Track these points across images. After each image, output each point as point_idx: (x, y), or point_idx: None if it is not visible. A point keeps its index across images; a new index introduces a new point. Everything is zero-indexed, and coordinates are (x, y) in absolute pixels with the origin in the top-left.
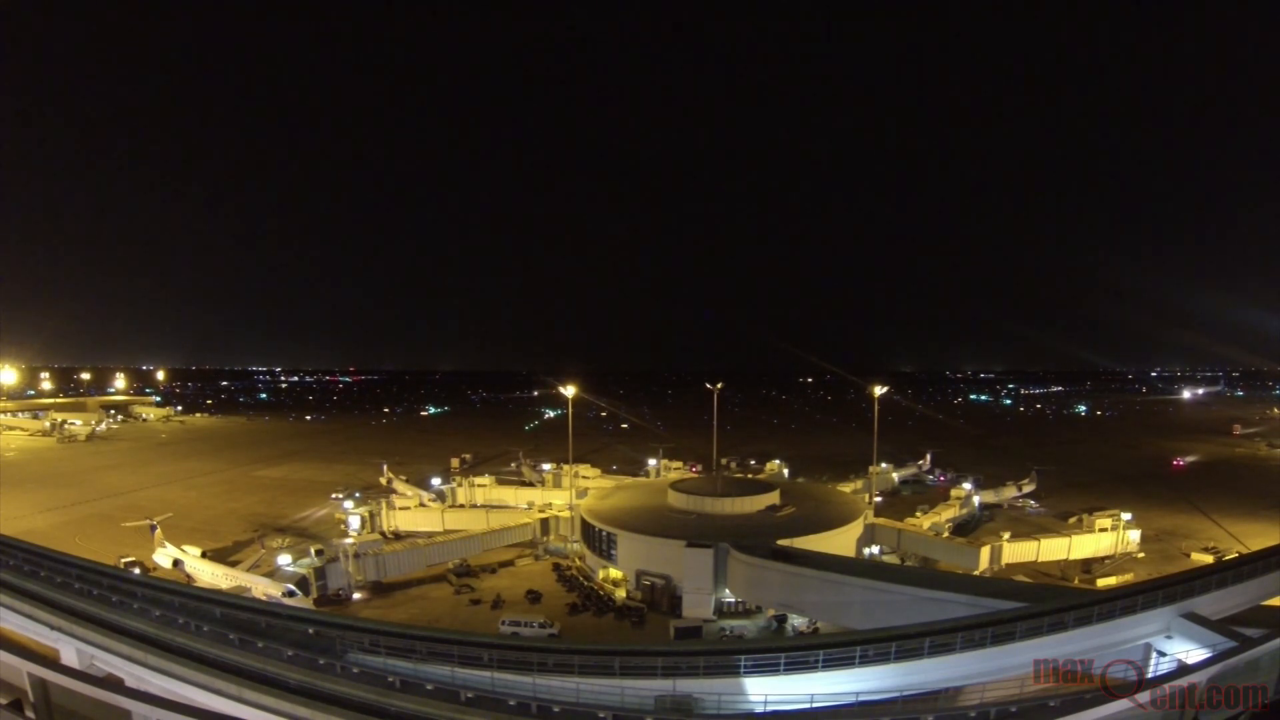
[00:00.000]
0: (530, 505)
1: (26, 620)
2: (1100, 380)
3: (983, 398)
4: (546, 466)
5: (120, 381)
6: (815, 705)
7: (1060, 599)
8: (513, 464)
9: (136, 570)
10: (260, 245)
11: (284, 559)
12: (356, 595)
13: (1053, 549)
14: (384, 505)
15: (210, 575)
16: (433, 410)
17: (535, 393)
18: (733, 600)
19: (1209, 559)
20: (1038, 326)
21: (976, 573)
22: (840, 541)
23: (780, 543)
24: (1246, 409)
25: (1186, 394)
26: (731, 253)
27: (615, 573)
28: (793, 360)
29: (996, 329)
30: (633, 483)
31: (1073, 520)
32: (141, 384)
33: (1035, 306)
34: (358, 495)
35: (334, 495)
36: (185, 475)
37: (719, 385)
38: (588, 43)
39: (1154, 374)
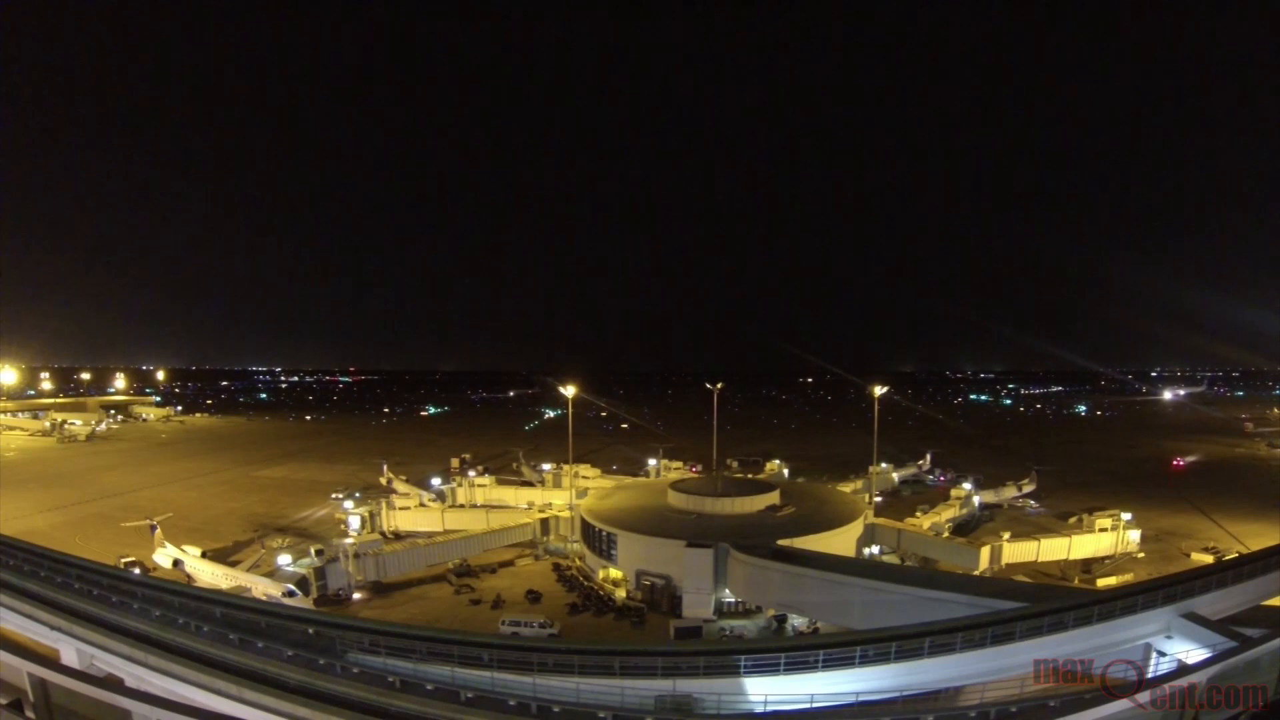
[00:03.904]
0: (530, 505)
1: (26, 620)
2: (1095, 380)
3: (983, 398)
4: (546, 466)
5: (120, 382)
6: (815, 705)
7: (1060, 599)
8: (508, 464)
9: (136, 570)
10: (261, 245)
11: (284, 559)
12: (356, 595)
13: (1053, 549)
14: (384, 505)
15: (210, 575)
16: (433, 410)
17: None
18: (733, 600)
19: (1209, 559)
20: (1037, 326)
21: (976, 573)
22: (840, 541)
23: (780, 543)
24: (1235, 409)
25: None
26: (732, 253)
27: (615, 573)
28: (793, 360)
29: (996, 330)
30: (633, 483)
31: (1073, 520)
32: (141, 384)
33: (1035, 306)
34: (358, 495)
35: (334, 495)
36: (185, 475)
37: (719, 385)
38: (586, 41)
39: (1154, 374)
